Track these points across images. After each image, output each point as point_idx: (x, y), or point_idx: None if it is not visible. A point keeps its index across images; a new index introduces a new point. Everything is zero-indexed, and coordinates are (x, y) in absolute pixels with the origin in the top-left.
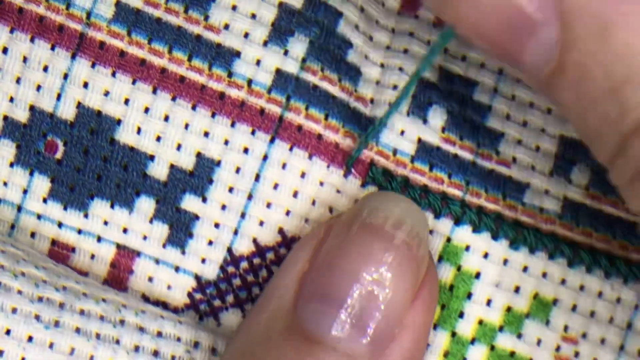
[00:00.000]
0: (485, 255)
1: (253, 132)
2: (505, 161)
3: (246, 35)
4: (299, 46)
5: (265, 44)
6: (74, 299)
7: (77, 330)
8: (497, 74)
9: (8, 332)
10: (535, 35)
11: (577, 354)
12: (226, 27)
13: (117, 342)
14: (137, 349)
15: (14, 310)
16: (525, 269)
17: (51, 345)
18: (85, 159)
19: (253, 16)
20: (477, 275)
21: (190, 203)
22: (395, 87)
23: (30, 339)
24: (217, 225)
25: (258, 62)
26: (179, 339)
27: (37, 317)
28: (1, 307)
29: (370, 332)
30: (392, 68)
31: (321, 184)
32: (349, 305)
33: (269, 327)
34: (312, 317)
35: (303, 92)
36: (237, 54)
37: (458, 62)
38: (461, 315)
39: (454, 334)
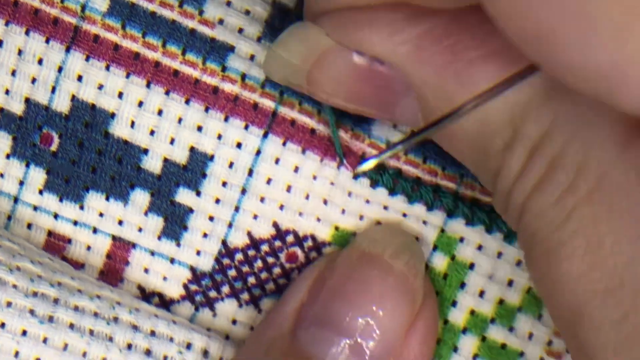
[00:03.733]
0: (479, 248)
1: (246, 127)
2: None
3: (240, 30)
4: None
5: (259, 39)
6: (68, 294)
7: (71, 326)
8: None
9: (2, 325)
10: (399, 101)
11: (568, 349)
12: (220, 22)
13: (110, 339)
14: (129, 347)
15: (9, 304)
16: (519, 262)
17: (45, 340)
18: (80, 152)
19: (247, 12)
20: (471, 266)
21: (184, 196)
22: None
23: (24, 333)
24: (211, 218)
25: (252, 57)
26: (171, 339)
27: (32, 312)
28: None
29: (367, 358)
30: None
31: (314, 177)
32: (347, 331)
33: (267, 353)
34: (311, 342)
35: None
36: (231, 49)
37: None
38: (454, 304)
39: (446, 322)
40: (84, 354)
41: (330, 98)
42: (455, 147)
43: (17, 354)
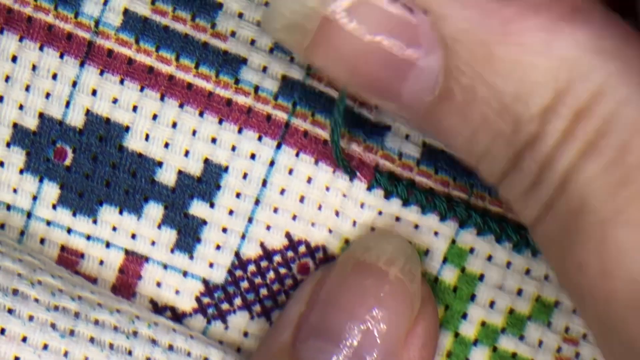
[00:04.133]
0: (489, 258)
1: (260, 138)
2: None
3: (252, 42)
4: None
5: (271, 51)
6: (89, 308)
7: (92, 340)
8: None
9: (24, 339)
10: (413, 69)
11: (577, 355)
12: (233, 34)
13: (130, 353)
14: None
15: (31, 318)
16: (527, 271)
17: (66, 354)
18: (94, 166)
19: (259, 24)
20: (481, 277)
21: (198, 208)
22: None
23: (45, 346)
24: (224, 230)
25: (264, 69)
26: (189, 354)
27: (53, 326)
28: (18, 314)
29: None
30: None
31: (327, 188)
32: (346, 342)
33: None
34: (311, 354)
35: (309, 98)
36: (244, 61)
37: None
38: (464, 316)
39: (457, 335)
40: None
41: (334, 64)
42: (475, 116)
43: None
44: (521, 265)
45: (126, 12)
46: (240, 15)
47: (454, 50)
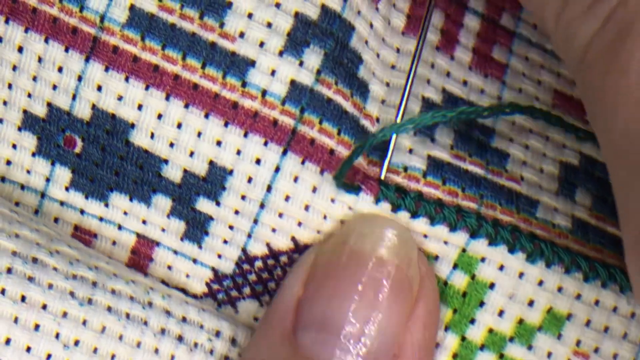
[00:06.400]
0: (501, 268)
1: (265, 143)
2: (514, 178)
3: (261, 44)
4: (314, 58)
5: (280, 54)
6: (105, 278)
7: (109, 309)
8: (497, 98)
9: (44, 307)
10: None
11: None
12: (241, 35)
13: (145, 323)
14: (163, 331)
15: (50, 286)
16: (540, 282)
17: (84, 322)
18: (102, 156)
19: (269, 25)
20: (492, 286)
21: (204, 205)
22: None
23: (65, 314)
24: (231, 227)
25: (273, 72)
26: (202, 326)
27: (72, 294)
28: (38, 282)
29: (370, 355)
30: (397, 88)
31: (332, 200)
32: (347, 332)
33: (271, 354)
34: (313, 346)
35: (317, 105)
36: (252, 63)
37: (460, 85)
38: (472, 321)
39: (463, 338)
40: (120, 337)
41: None
42: None
43: (57, 335)
44: (534, 276)
45: (132, 8)
46: (250, 16)
47: None
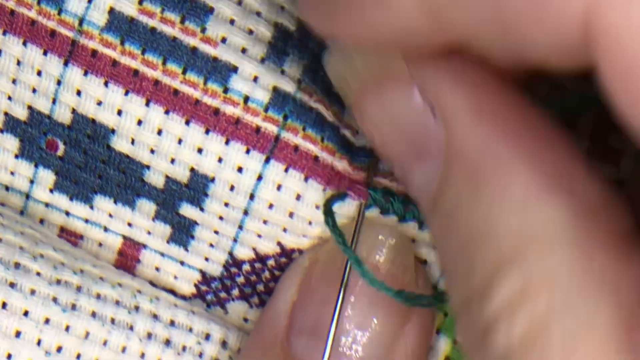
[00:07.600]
0: None
1: (248, 151)
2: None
3: (244, 50)
4: (294, 67)
5: (262, 60)
6: (91, 282)
7: (93, 314)
8: None
9: (26, 313)
10: (424, 160)
11: None
12: (223, 40)
13: (131, 328)
14: (149, 336)
15: (33, 292)
16: None
17: (67, 328)
18: (85, 159)
19: (250, 32)
20: None
21: (188, 210)
22: None
23: (47, 321)
24: (216, 232)
25: (255, 79)
26: (190, 330)
27: (55, 300)
28: (20, 288)
29: None
30: None
31: (317, 207)
32: (341, 340)
33: (265, 358)
34: (304, 352)
35: (300, 112)
36: (234, 69)
37: None
38: None
39: (455, 342)
40: (105, 343)
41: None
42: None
43: (39, 342)
44: None
45: (112, 11)
46: (232, 22)
47: (450, 163)
